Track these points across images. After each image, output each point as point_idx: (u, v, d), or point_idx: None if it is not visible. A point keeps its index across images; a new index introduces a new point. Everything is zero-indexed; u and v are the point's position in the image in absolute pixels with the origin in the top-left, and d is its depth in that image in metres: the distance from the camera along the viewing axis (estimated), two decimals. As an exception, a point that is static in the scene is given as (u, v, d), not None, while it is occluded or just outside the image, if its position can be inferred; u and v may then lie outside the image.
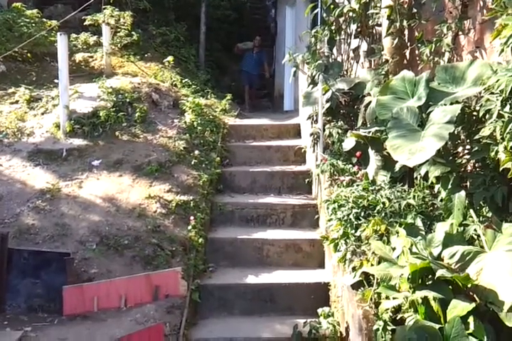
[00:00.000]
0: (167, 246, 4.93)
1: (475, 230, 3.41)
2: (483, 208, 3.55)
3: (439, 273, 3.03)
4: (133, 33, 9.12)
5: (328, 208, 4.66)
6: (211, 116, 7.34)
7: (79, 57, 8.73)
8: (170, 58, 8.65)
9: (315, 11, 6.60)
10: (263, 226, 5.70)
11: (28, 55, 8.39)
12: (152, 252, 4.83)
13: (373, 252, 3.81)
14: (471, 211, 3.55)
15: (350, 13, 5.76)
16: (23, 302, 4.56)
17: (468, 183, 3.82)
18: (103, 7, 8.87)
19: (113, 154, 6.09)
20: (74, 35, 9.07)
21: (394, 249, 3.59)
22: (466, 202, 3.59)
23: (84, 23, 8.76)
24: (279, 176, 6.35)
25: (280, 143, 7.11)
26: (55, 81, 7.03)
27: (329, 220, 4.58)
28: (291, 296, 4.79)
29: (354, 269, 3.99)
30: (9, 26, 8.53)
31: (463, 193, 3.61)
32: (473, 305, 2.87)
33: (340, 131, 5.49)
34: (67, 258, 4.56)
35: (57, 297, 4.45)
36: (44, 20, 8.92)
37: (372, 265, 3.81)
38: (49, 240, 4.89)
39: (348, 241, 4.20)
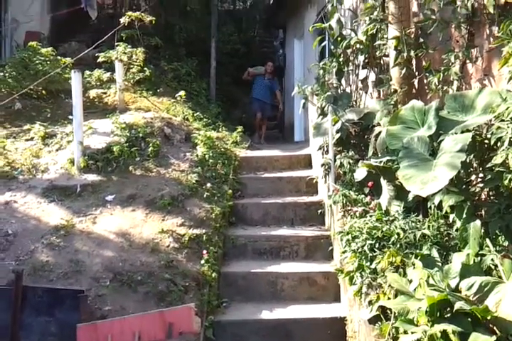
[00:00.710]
0: (180, 282, 4.88)
1: (492, 260, 3.34)
2: (500, 237, 3.48)
3: (458, 305, 2.96)
4: (145, 68, 9.32)
5: (341, 240, 4.61)
6: (222, 149, 7.40)
7: (93, 93, 8.91)
8: (182, 93, 8.80)
9: (323, 44, 6.70)
10: (276, 259, 5.63)
11: (43, 92, 8.59)
12: (165, 288, 4.78)
13: (389, 285, 3.74)
14: (487, 240, 3.48)
15: (358, 45, 5.83)
16: (36, 341, 4.52)
17: (483, 212, 3.77)
18: (116, 44, 9.11)
19: (126, 189, 6.12)
20: (88, 72, 9.28)
21: (410, 281, 3.52)
22: (482, 231, 3.53)
23: (98, 60, 8.97)
24: (292, 207, 6.33)
25: (291, 174, 7.11)
26: (70, 117, 7.15)
27: (343, 252, 4.52)
28: (307, 332, 4.68)
29: (370, 303, 3.91)
30: (25, 64, 8.78)
31: (478, 222, 3.54)
32: (494, 338, 2.79)
33: (351, 161, 5.47)
34: (81, 296, 4.52)
35: (71, 335, 4.38)
36: (58, 57, 9.14)
37: (388, 298, 3.73)
38: (63, 277, 4.87)
39: (363, 273, 4.13)
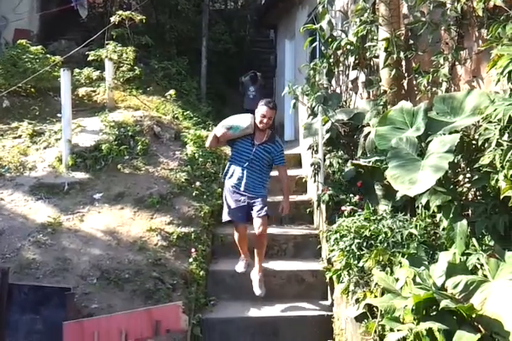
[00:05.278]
0: (168, 280, 4.87)
1: (478, 259, 3.37)
2: (486, 237, 3.51)
3: (443, 303, 2.99)
4: (135, 67, 9.25)
5: (330, 238, 4.64)
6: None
7: (82, 91, 8.84)
8: (172, 92, 8.76)
9: (313, 44, 6.72)
10: (265, 257, 5.61)
11: (32, 90, 8.49)
12: (153, 286, 4.77)
13: (376, 283, 3.77)
14: (474, 240, 3.51)
15: (348, 46, 5.86)
16: (22, 339, 4.45)
17: (469, 212, 3.80)
18: (106, 43, 9.05)
19: (115, 187, 6.09)
20: (77, 70, 9.21)
21: (397, 279, 3.55)
22: (468, 230, 3.56)
23: (88, 59, 8.91)
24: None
25: (281, 173, 7.08)
26: (58, 115, 7.11)
27: (331, 251, 4.55)
28: (295, 329, 4.70)
29: (357, 301, 3.94)
30: (14, 62, 8.69)
31: (465, 222, 3.58)
32: (479, 335, 2.82)
33: (340, 160, 5.50)
34: (67, 293, 4.49)
35: (58, 333, 4.36)
36: (48, 55, 9.04)
37: (375, 296, 3.77)
38: (50, 275, 4.83)
39: (350, 272, 4.16)
